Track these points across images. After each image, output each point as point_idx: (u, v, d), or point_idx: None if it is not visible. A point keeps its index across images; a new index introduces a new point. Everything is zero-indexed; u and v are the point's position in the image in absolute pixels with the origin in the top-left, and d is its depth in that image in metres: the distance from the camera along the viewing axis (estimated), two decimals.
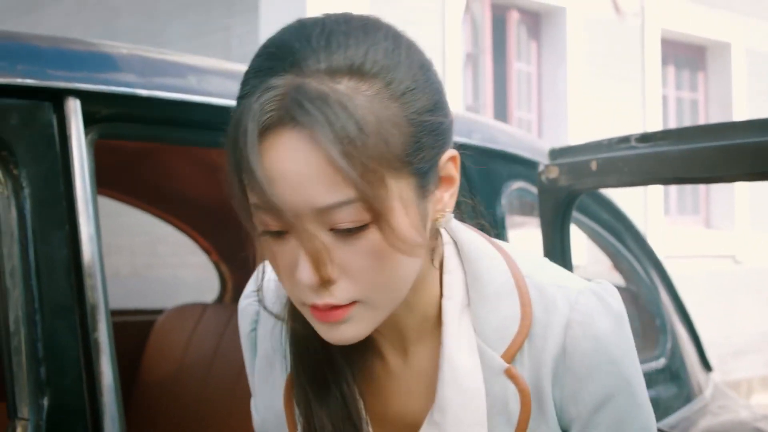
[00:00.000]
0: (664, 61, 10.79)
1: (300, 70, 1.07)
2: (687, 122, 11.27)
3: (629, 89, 10.15)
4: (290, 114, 1.04)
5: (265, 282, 1.37)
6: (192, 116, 1.87)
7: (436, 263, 1.26)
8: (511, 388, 1.23)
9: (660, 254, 3.04)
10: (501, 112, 9.48)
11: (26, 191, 1.64)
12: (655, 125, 10.27)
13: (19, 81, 1.64)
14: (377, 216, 1.07)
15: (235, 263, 3.92)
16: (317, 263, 1.09)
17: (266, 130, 1.06)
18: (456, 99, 8.59)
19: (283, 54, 1.09)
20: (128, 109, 1.79)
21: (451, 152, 1.18)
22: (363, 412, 1.29)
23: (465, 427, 1.23)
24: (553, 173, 2.09)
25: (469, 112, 9.07)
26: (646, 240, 2.85)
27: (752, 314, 10.84)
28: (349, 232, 1.09)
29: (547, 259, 1.35)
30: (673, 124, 11.05)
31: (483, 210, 2.33)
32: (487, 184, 2.42)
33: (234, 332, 3.53)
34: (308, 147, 1.04)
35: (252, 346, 1.44)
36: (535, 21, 9.83)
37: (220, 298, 3.97)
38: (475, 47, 9.31)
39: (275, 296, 1.36)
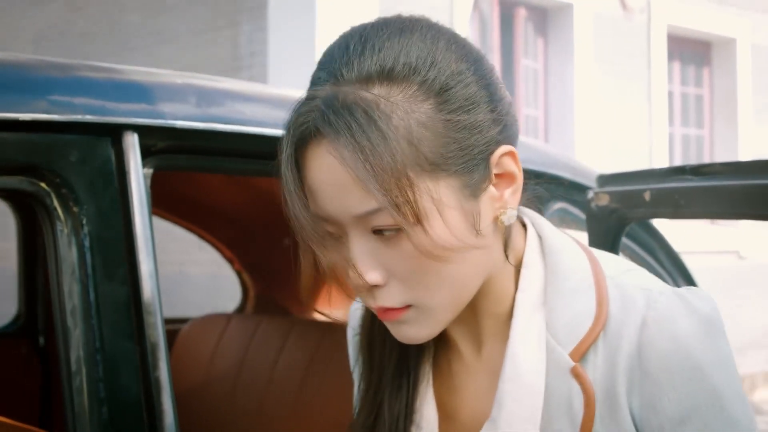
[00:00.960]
0: (670, 57, 10.79)
1: (336, 79, 1.11)
2: (692, 117, 11.26)
3: (635, 85, 10.15)
4: (317, 126, 1.08)
5: None
6: (245, 146, 1.85)
7: (512, 259, 1.24)
8: (576, 387, 1.18)
9: None
10: None
11: (86, 229, 1.62)
12: (660, 120, 10.27)
13: (78, 117, 1.62)
14: (404, 222, 1.08)
15: (258, 273, 3.90)
16: (363, 266, 1.12)
17: (302, 141, 1.10)
18: None
19: (326, 63, 1.14)
20: (184, 141, 1.77)
21: (506, 148, 1.16)
22: (434, 409, 1.30)
23: (518, 424, 1.20)
24: (603, 200, 2.07)
25: None
26: (688, 269, 2.83)
27: (756, 310, 10.84)
28: (390, 235, 1.11)
29: (638, 267, 1.29)
30: (677, 119, 11.04)
31: None
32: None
33: (260, 344, 3.52)
34: (334, 159, 1.08)
35: (354, 349, 1.44)
36: (541, 17, 9.81)
37: (242, 308, 3.95)
38: (483, 44, 9.29)
39: None
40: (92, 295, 1.61)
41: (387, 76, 1.10)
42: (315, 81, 1.15)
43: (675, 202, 1.92)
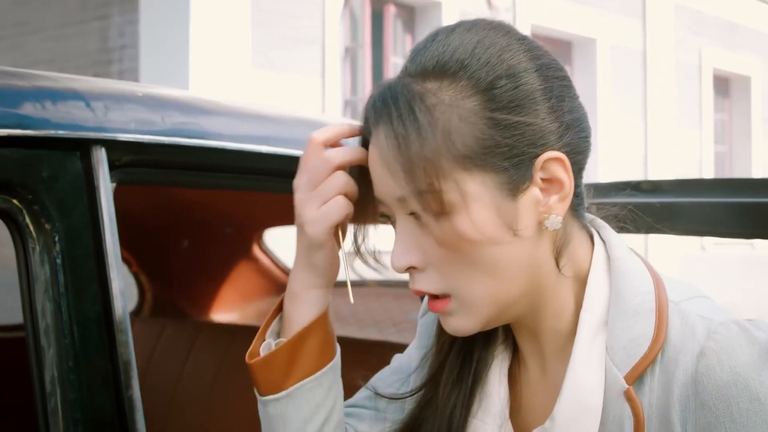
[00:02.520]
0: None
1: (403, 71, 1.20)
2: None
3: None
4: (368, 115, 1.20)
5: None
6: (207, 160, 1.84)
7: (568, 271, 1.25)
8: (628, 411, 1.18)
9: None
10: None
11: (58, 246, 1.58)
12: None
13: (51, 133, 1.59)
14: (425, 210, 1.15)
15: (156, 275, 3.86)
16: (399, 247, 1.21)
17: (365, 132, 1.24)
18: (334, 93, 8.59)
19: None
20: (147, 155, 1.74)
21: (553, 154, 1.18)
22: (507, 412, 1.33)
23: None
24: None
25: (348, 106, 9.08)
26: None
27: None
28: (426, 221, 1.17)
29: (706, 296, 1.27)
30: None
31: None
32: None
33: (165, 349, 3.48)
34: (378, 145, 1.18)
35: (421, 331, 1.49)
36: (410, 15, 9.89)
37: (138, 310, 3.90)
38: (354, 41, 9.32)
39: None
40: (65, 314, 1.58)
41: (441, 70, 1.16)
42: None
43: (618, 217, 1.96)
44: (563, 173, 1.19)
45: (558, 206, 1.20)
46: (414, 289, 1.23)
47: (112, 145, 1.67)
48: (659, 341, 1.18)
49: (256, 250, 4.03)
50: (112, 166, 1.69)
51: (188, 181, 1.91)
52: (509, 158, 1.15)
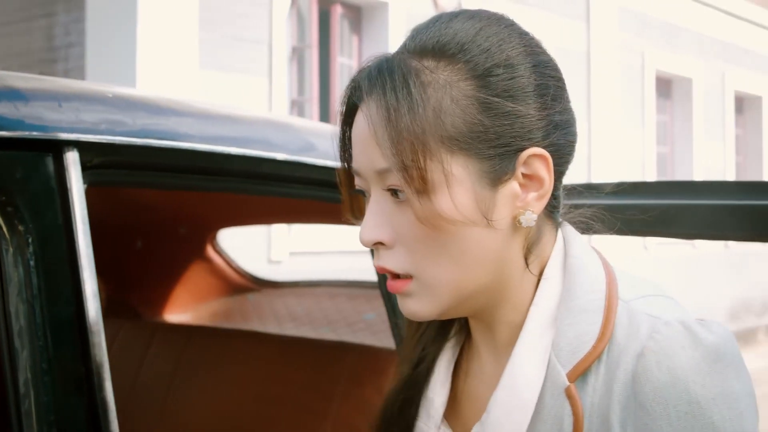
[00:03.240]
0: None
1: (402, 48, 1.21)
2: None
3: None
4: (362, 84, 1.19)
5: None
6: (178, 162, 1.84)
7: (534, 269, 1.25)
8: (568, 408, 1.17)
9: None
10: (324, 106, 9.51)
11: (31, 248, 1.58)
12: None
13: (25, 134, 1.58)
14: (408, 185, 1.14)
15: (109, 276, 3.83)
16: (370, 222, 1.20)
17: (355, 100, 1.21)
18: (281, 93, 8.57)
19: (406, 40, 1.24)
20: (118, 156, 1.74)
21: (537, 150, 1.18)
22: (442, 404, 1.35)
23: None
24: None
25: (294, 106, 9.07)
26: None
27: None
28: (403, 199, 1.18)
29: (662, 294, 1.24)
30: None
31: None
32: None
33: (121, 350, 3.46)
34: (367, 114, 1.18)
35: None
36: (357, 15, 9.89)
37: None
38: (301, 41, 9.30)
39: None
40: (39, 316, 1.57)
41: (440, 51, 1.17)
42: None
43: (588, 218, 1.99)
44: (545, 171, 1.20)
45: (535, 204, 1.20)
46: (378, 265, 1.22)
47: (84, 147, 1.67)
48: (604, 339, 1.17)
49: (210, 251, 4.03)
50: (84, 168, 1.68)
51: (159, 182, 1.90)
52: (495, 147, 1.16)
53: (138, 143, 1.75)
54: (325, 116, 9.56)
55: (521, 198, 1.20)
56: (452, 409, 1.35)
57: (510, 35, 1.20)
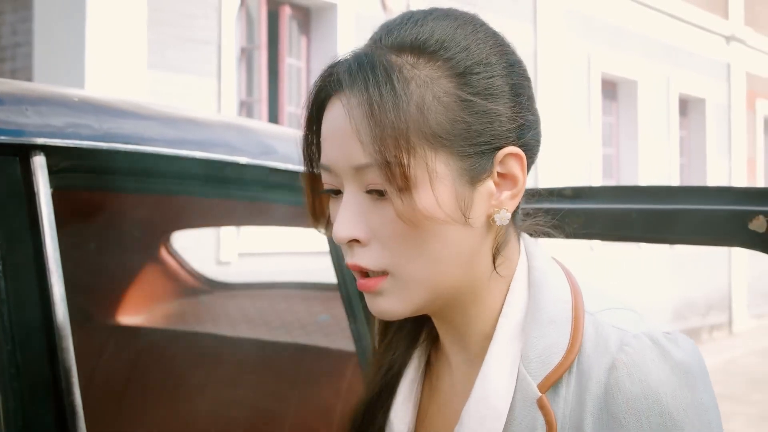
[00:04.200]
0: None
1: (375, 42, 1.20)
2: None
3: None
4: (339, 78, 1.16)
5: None
6: (143, 165, 1.84)
7: (503, 272, 1.26)
8: (540, 419, 1.18)
9: None
10: (273, 107, 9.50)
11: None
12: None
13: None
14: (391, 181, 1.13)
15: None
16: (345, 220, 1.18)
17: (327, 95, 1.19)
18: (230, 94, 8.55)
19: (375, 32, 1.24)
20: (84, 161, 1.74)
21: (513, 149, 1.20)
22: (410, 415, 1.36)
23: None
24: None
25: (243, 107, 9.05)
26: None
27: None
28: (380, 195, 1.16)
29: (625, 306, 1.26)
30: None
31: None
32: None
33: (111, 355, 3.44)
34: (344, 108, 1.15)
35: None
36: (305, 16, 9.89)
37: None
38: (250, 42, 9.28)
39: None
40: (6, 320, 1.57)
41: (419, 47, 1.17)
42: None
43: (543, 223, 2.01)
44: (519, 170, 1.22)
45: (509, 203, 1.22)
46: (352, 263, 1.20)
47: (51, 151, 1.66)
48: (573, 351, 1.19)
49: (164, 253, 4.01)
50: (50, 172, 1.68)
51: (123, 186, 1.90)
52: (475, 144, 1.17)
53: (104, 147, 1.75)
54: (273, 117, 9.56)
55: (496, 197, 1.21)
56: (421, 422, 1.36)
57: (485, 35, 1.22)
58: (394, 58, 1.16)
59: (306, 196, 1.29)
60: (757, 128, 18.52)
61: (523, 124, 1.22)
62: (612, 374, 1.15)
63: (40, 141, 1.64)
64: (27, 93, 1.71)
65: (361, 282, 1.22)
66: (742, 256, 17.25)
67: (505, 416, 1.20)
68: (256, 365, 3.24)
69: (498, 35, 1.25)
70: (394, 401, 1.36)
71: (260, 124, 2.40)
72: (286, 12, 9.62)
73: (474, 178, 1.18)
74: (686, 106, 16.80)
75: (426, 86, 1.15)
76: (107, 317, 3.89)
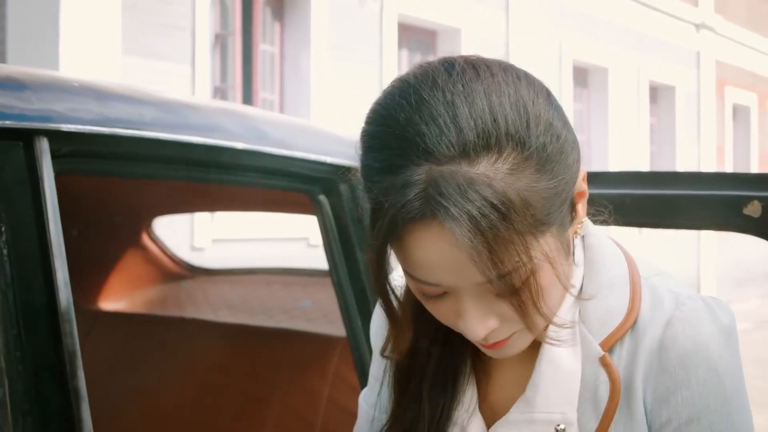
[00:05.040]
0: (400, 45, 11.12)
1: (435, 158, 1.08)
2: None
3: (368, 71, 10.38)
4: (432, 211, 1.07)
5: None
6: (144, 151, 1.85)
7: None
8: (603, 376, 1.24)
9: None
10: (247, 92, 9.48)
11: (4, 237, 1.58)
12: None
13: None
14: (515, 283, 1.11)
15: None
16: (482, 317, 1.16)
17: (414, 222, 1.09)
18: (204, 80, 8.53)
19: (412, 138, 1.10)
20: (86, 146, 1.75)
21: (583, 172, 1.21)
22: (476, 400, 1.36)
23: (554, 404, 1.26)
24: None
25: (218, 93, 9.03)
26: None
27: None
28: (506, 294, 1.14)
29: (667, 272, 1.34)
30: None
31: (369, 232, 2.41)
32: None
33: (96, 340, 3.44)
34: (451, 240, 1.08)
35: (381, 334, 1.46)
36: (279, 3, 9.87)
37: None
38: (224, 28, 9.27)
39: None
40: (12, 305, 1.58)
41: (488, 146, 1.09)
42: (395, 153, 1.11)
43: None
44: (584, 184, 1.23)
45: (583, 212, 1.25)
46: (489, 344, 1.22)
47: (54, 136, 1.67)
48: (633, 313, 1.26)
49: (145, 239, 4.02)
50: (53, 156, 1.69)
51: (125, 171, 1.91)
52: (563, 203, 1.16)
53: (105, 132, 1.75)
54: (247, 103, 9.53)
55: (577, 215, 1.23)
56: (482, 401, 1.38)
57: (529, 90, 1.15)
58: (473, 174, 1.07)
59: (385, 301, 1.22)
60: (725, 116, 18.64)
61: (577, 146, 1.21)
62: (668, 330, 1.23)
63: (43, 126, 1.65)
64: (28, 78, 1.72)
65: (490, 347, 1.23)
66: (711, 244, 17.39)
67: (580, 376, 1.26)
68: (244, 351, 3.25)
69: (528, 75, 1.19)
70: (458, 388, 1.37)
71: (252, 109, 2.41)
72: None
73: (568, 223, 1.20)
74: (656, 94, 16.88)
75: (515, 184, 1.08)
76: (89, 303, 3.89)
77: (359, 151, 1.19)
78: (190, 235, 8.42)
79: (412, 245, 1.12)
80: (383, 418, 1.43)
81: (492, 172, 1.08)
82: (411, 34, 11.39)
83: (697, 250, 17.12)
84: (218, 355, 3.27)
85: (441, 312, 1.20)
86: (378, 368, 1.50)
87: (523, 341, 1.24)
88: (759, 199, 1.70)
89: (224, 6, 9.32)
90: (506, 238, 1.07)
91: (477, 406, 1.36)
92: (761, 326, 14.22)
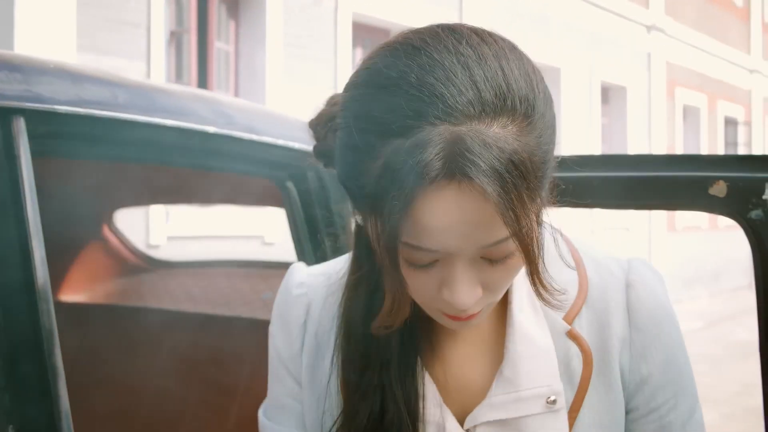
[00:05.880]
0: (354, 44, 11.14)
1: (454, 118, 1.06)
2: None
3: (323, 69, 10.40)
4: (460, 170, 1.05)
5: (312, 276, 1.45)
6: (121, 133, 1.86)
7: None
8: (574, 349, 1.29)
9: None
10: None
11: None
12: None
13: None
14: (525, 248, 1.09)
15: None
16: (470, 287, 1.14)
17: (431, 183, 1.06)
18: (159, 78, 8.51)
19: (429, 99, 1.07)
20: (63, 126, 1.75)
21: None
22: (431, 386, 1.32)
23: (539, 379, 1.27)
24: None
25: None
26: None
27: None
28: (501, 259, 1.14)
29: (593, 243, 1.39)
30: None
31: (335, 219, 2.42)
32: (342, 192, 2.51)
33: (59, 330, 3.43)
34: (477, 198, 1.06)
35: (300, 335, 1.43)
36: (234, 0, 9.86)
37: None
38: (180, 25, 9.24)
39: (326, 290, 1.43)
40: None
41: (502, 108, 1.08)
42: (412, 115, 1.08)
43: None
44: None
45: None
46: (468, 315, 1.19)
47: (31, 116, 1.67)
48: (584, 284, 1.32)
49: (106, 231, 4.01)
50: (30, 137, 1.69)
51: (101, 153, 1.92)
52: (549, 173, 1.16)
53: (82, 113, 1.76)
54: None
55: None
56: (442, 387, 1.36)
57: (527, 61, 1.17)
58: (489, 130, 1.06)
59: (391, 271, 1.14)
60: (676, 116, 18.83)
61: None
62: (631, 292, 1.31)
63: (21, 105, 1.65)
64: (4, 58, 1.72)
65: (459, 320, 1.22)
66: (663, 243, 17.56)
67: (554, 349, 1.29)
68: (208, 340, 3.25)
69: (520, 50, 1.19)
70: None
71: (221, 95, 2.42)
72: None
73: (547, 194, 1.19)
74: (608, 94, 17.03)
75: (526, 149, 1.08)
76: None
77: (342, 123, 1.17)
78: (145, 232, 8.38)
79: (426, 208, 1.08)
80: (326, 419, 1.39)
81: (505, 134, 1.07)
82: (366, 33, 11.41)
83: (648, 249, 17.28)
84: (185, 345, 3.27)
85: (423, 284, 1.17)
86: (290, 385, 1.46)
87: (487, 312, 1.24)
88: (724, 179, 1.74)
89: (179, 3, 9.29)
90: (525, 196, 1.06)
91: (441, 399, 1.33)
92: (711, 325, 14.37)
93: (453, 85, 1.07)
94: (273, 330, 1.48)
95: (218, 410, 3.08)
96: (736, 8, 22.00)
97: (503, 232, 1.09)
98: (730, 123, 21.93)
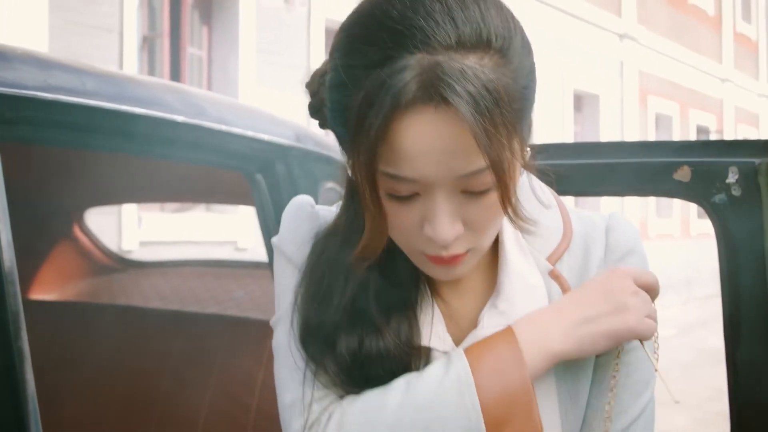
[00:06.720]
0: (327, 50, 11.14)
1: (431, 47, 1.10)
2: None
3: (295, 75, 10.39)
4: (436, 92, 1.08)
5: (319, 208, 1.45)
6: (88, 120, 1.86)
7: None
8: (555, 288, 1.33)
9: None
10: None
11: None
12: None
13: None
14: (501, 180, 1.11)
15: None
16: (451, 221, 1.17)
17: (407, 108, 1.09)
18: None
19: (408, 31, 1.11)
20: (29, 112, 1.75)
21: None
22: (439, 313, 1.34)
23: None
24: None
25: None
26: None
27: None
28: (479, 193, 1.16)
29: None
30: None
31: None
32: (311, 185, 2.52)
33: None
34: (453, 123, 1.09)
35: (309, 247, 1.40)
36: (207, 6, 9.86)
37: None
38: (152, 30, 9.23)
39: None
40: None
41: (479, 44, 1.12)
42: (391, 46, 1.12)
43: None
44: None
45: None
46: (450, 254, 1.21)
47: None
48: (568, 231, 1.38)
49: (77, 231, 4.00)
50: None
51: (65, 140, 1.92)
52: (528, 116, 1.20)
53: (49, 98, 1.76)
54: None
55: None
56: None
57: (505, 9, 1.20)
58: (465, 60, 1.10)
59: (370, 202, 1.17)
60: (648, 124, 18.94)
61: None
62: (610, 235, 1.38)
63: None
64: None
65: (444, 263, 1.23)
66: None
67: (544, 288, 1.33)
68: (178, 336, 3.25)
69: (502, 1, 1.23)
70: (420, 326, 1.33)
71: (190, 87, 2.43)
72: (188, 1, 9.58)
73: (526, 140, 1.21)
74: (581, 102, 17.11)
75: (502, 82, 1.11)
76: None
77: (331, 65, 1.20)
78: (117, 237, 8.36)
79: (403, 133, 1.11)
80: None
81: (481, 65, 1.11)
82: None
83: None
84: (155, 341, 3.27)
85: (406, 218, 1.20)
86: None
87: (473, 260, 1.26)
88: (688, 164, 1.76)
89: (152, 8, 9.28)
90: (499, 123, 1.09)
91: (447, 330, 1.34)
92: (683, 332, 14.42)
93: (432, 19, 1.11)
94: (281, 241, 1.43)
95: (189, 404, 3.08)
96: (707, 18, 22.15)
97: (480, 162, 1.12)
98: (702, 131, 22.04)
